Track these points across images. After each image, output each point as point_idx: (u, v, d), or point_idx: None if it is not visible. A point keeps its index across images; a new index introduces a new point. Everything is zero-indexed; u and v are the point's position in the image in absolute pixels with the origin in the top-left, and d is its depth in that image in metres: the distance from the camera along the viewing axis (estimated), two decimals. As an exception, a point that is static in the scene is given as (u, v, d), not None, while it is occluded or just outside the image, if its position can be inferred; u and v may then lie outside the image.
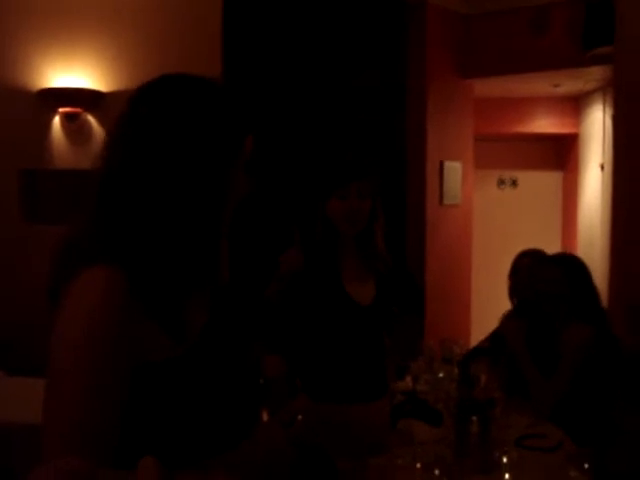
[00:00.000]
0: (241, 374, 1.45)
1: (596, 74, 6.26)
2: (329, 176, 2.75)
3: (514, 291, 3.99)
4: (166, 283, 1.27)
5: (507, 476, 2.38)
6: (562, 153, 8.23)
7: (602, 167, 6.75)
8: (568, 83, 6.86)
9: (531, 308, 3.55)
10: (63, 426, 1.12)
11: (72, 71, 5.11)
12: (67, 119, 5.13)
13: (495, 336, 3.97)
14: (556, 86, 6.97)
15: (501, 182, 8.28)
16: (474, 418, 2.56)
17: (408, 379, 3.37)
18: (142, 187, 1.27)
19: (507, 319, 3.70)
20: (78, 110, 5.11)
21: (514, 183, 8.27)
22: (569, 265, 3.43)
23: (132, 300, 1.21)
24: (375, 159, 2.94)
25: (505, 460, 2.40)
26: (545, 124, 7.78)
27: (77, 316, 1.18)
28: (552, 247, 7.47)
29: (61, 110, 5.11)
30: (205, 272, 1.36)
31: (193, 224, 1.31)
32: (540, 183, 8.22)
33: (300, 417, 1.50)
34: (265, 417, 1.58)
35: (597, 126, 7.01)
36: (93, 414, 1.13)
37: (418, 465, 2.26)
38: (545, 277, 3.42)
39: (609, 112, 6.47)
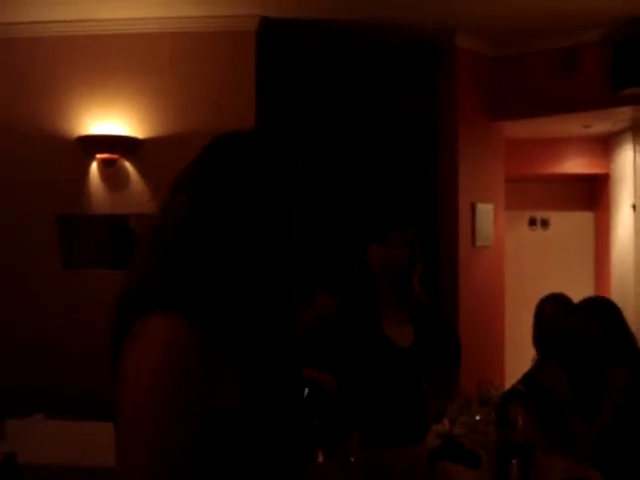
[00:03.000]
0: (297, 413, 1.44)
1: (626, 114, 6.27)
2: (370, 223, 2.79)
3: (538, 338, 3.99)
4: (243, 333, 1.27)
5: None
6: (593, 193, 8.20)
7: (634, 207, 6.71)
8: (598, 123, 6.85)
9: (560, 354, 3.53)
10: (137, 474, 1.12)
11: (109, 119, 5.23)
12: (104, 165, 5.24)
13: (529, 379, 3.95)
14: (586, 127, 6.96)
15: (532, 223, 8.25)
16: (514, 461, 2.55)
17: (445, 422, 3.35)
18: (214, 236, 1.28)
19: (547, 368, 3.59)
20: (115, 156, 5.22)
21: (545, 224, 8.24)
22: (601, 310, 3.40)
23: (203, 349, 1.19)
24: (414, 207, 2.97)
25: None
26: (576, 164, 7.76)
27: (147, 368, 1.16)
28: (585, 287, 7.44)
29: (99, 156, 5.22)
30: (281, 318, 1.37)
31: (269, 270, 1.32)
32: (571, 224, 8.17)
33: (353, 459, 1.50)
34: (320, 458, 1.58)
35: (628, 166, 6.99)
36: (168, 470, 1.12)
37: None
38: (577, 325, 3.40)
39: (640, 152, 6.47)
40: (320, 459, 1.58)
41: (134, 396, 1.16)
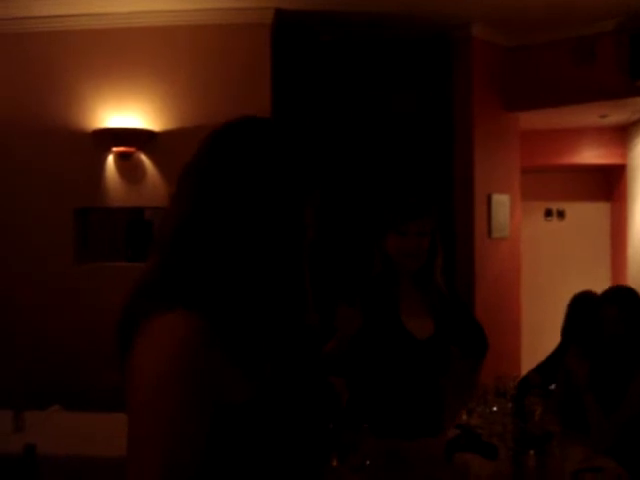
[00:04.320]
0: (311, 416, 1.42)
1: (643, 104, 6.24)
2: (389, 214, 2.78)
3: (569, 331, 3.98)
4: (252, 330, 1.26)
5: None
6: (609, 184, 8.16)
7: (651, 197, 6.69)
8: (615, 114, 6.82)
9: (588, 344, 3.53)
10: (144, 475, 1.12)
11: (125, 111, 5.25)
12: (121, 158, 5.26)
13: (545, 368, 3.94)
14: (603, 117, 6.93)
15: (548, 214, 8.23)
16: (531, 452, 2.55)
17: (462, 413, 3.35)
18: (224, 231, 1.26)
19: (572, 353, 3.58)
20: (131, 149, 5.23)
21: (561, 215, 8.21)
22: (626, 302, 3.38)
23: (213, 347, 1.19)
24: (432, 198, 2.96)
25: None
26: (592, 155, 7.73)
27: (159, 364, 1.16)
28: (601, 278, 7.42)
29: (115, 149, 5.24)
30: (290, 317, 1.35)
31: (277, 266, 1.30)
32: (588, 214, 8.15)
33: (368, 462, 1.49)
34: (335, 463, 1.56)
35: (645, 156, 6.96)
36: (176, 465, 1.12)
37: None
38: (606, 317, 3.39)
39: (657, 142, 6.43)
40: (335, 463, 1.57)
41: (145, 392, 1.15)
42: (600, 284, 5.76)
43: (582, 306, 3.98)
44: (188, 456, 1.14)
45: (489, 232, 6.07)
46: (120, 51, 5.29)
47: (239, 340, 1.24)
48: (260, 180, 1.29)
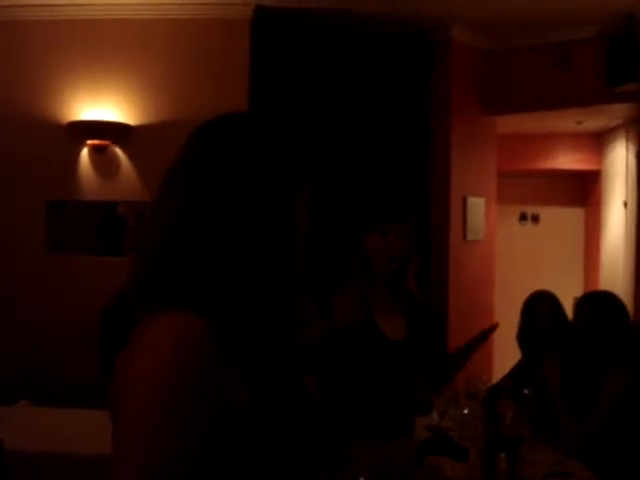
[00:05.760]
0: (306, 423, 1.39)
1: (619, 111, 6.28)
2: (372, 213, 2.78)
3: (524, 334, 3.99)
4: (251, 329, 1.23)
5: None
6: (584, 190, 8.22)
7: (625, 204, 6.73)
8: (591, 120, 6.87)
9: (553, 349, 3.54)
10: (132, 476, 1.08)
11: (101, 104, 5.19)
12: (95, 151, 5.20)
13: (516, 374, 3.96)
14: (579, 123, 6.98)
15: (523, 218, 8.27)
16: (502, 455, 2.55)
17: (434, 415, 3.35)
18: (219, 229, 1.23)
19: (547, 358, 3.60)
20: (106, 142, 5.18)
21: (536, 219, 8.26)
22: (605, 307, 3.38)
23: (212, 347, 1.16)
24: (412, 199, 2.95)
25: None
26: (567, 160, 7.78)
27: (155, 363, 1.12)
28: (574, 283, 7.47)
29: (89, 142, 5.18)
30: (288, 314, 1.33)
31: (272, 263, 1.27)
32: (562, 219, 8.20)
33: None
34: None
35: (620, 163, 7.01)
36: (168, 467, 1.09)
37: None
38: (579, 321, 3.40)
39: (632, 149, 6.47)
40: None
41: (140, 392, 1.12)
42: (573, 289, 5.80)
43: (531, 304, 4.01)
44: (180, 458, 1.11)
45: (464, 235, 6.09)
46: (97, 43, 5.22)
47: (238, 340, 1.21)
48: (253, 175, 1.27)
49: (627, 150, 6.77)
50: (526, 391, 3.59)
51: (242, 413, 1.21)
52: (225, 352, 1.19)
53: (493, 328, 3.20)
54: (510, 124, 6.77)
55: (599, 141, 7.68)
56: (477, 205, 6.22)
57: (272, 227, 1.28)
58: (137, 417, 1.11)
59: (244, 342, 1.22)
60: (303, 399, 1.41)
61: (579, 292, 4.53)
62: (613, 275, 7.12)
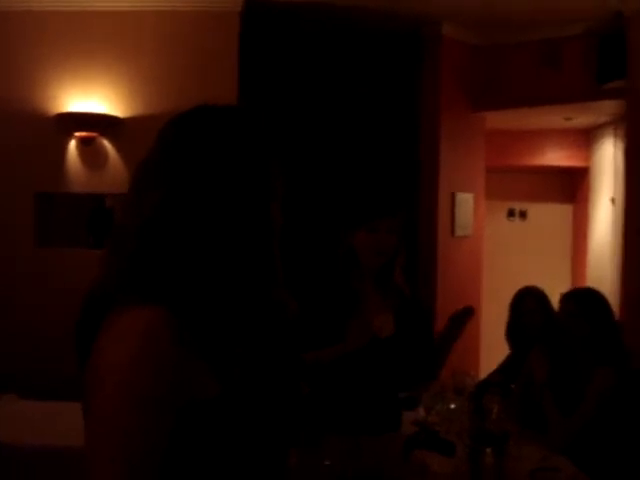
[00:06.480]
0: (280, 414, 1.39)
1: (608, 108, 6.29)
2: (361, 210, 2.78)
3: (512, 330, 4.00)
4: (220, 324, 1.23)
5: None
6: (572, 186, 8.24)
7: (613, 201, 6.75)
8: (580, 116, 6.89)
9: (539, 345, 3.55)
10: (107, 470, 1.08)
11: (89, 96, 5.16)
12: (83, 143, 5.17)
13: (504, 370, 3.97)
14: (568, 119, 6.99)
15: (511, 214, 8.29)
16: (488, 450, 2.55)
17: (420, 410, 3.35)
18: (194, 224, 1.22)
19: (534, 353, 3.61)
20: (94, 134, 5.15)
21: (523, 215, 8.28)
22: (590, 304, 3.39)
23: (180, 340, 1.16)
24: (400, 195, 2.96)
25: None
26: (556, 157, 7.80)
27: (123, 357, 1.13)
28: (561, 279, 7.49)
29: (77, 134, 5.16)
30: (261, 308, 1.32)
31: (246, 258, 1.27)
32: (550, 216, 8.22)
33: (328, 462, 1.47)
34: (294, 460, 1.54)
35: (608, 159, 7.02)
36: (139, 460, 1.09)
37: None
38: (564, 318, 3.41)
39: (620, 146, 6.48)
40: (293, 461, 1.54)
41: (109, 385, 1.12)
42: (560, 285, 5.81)
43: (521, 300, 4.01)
44: (151, 451, 1.11)
45: (452, 230, 6.10)
46: (85, 35, 5.19)
47: (207, 334, 1.21)
48: (230, 169, 1.26)
49: (615, 147, 6.79)
50: (513, 386, 3.60)
51: (211, 405, 1.20)
52: (193, 345, 1.19)
53: (468, 312, 3.18)
54: (499, 120, 6.78)
55: (587, 138, 7.69)
56: (465, 201, 6.23)
57: (247, 222, 1.27)
58: (107, 411, 1.11)
59: (212, 336, 1.22)
60: (282, 392, 1.40)
61: (566, 288, 4.52)
62: (600, 271, 7.15)
